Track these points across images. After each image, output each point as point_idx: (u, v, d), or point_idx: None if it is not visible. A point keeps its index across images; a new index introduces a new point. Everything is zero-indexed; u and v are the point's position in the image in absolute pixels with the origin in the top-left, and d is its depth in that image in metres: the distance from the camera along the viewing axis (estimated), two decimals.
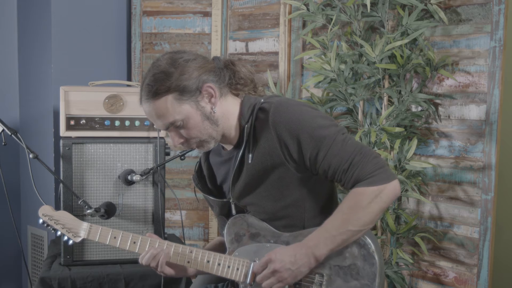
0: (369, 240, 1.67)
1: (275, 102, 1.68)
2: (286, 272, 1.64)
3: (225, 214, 1.85)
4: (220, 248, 1.88)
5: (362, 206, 1.62)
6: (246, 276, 1.72)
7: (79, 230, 1.84)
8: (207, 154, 1.89)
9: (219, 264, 1.74)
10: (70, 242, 1.85)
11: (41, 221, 1.87)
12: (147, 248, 1.77)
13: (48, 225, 1.87)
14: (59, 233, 1.86)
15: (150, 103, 1.65)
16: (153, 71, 1.65)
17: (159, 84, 1.62)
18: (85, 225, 1.84)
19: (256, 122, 1.69)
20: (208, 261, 1.75)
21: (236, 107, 1.73)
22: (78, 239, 1.84)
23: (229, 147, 1.78)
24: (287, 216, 1.74)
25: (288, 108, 1.66)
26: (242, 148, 1.71)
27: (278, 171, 1.69)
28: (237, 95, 1.76)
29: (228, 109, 1.71)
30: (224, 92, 1.70)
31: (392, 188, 1.64)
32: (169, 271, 1.80)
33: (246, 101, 1.73)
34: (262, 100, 1.71)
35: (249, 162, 1.70)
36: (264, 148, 1.68)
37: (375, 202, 1.62)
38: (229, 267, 1.74)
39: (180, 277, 1.89)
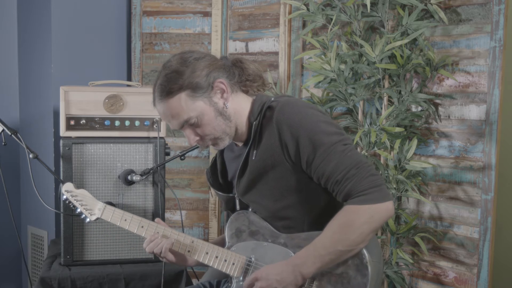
0: (364, 251, 1.63)
1: (282, 101, 1.69)
2: None
3: (230, 209, 1.87)
4: (223, 242, 1.90)
5: (353, 226, 1.58)
6: (240, 271, 1.74)
7: (94, 209, 1.91)
8: (222, 149, 1.90)
9: (216, 257, 1.77)
10: (87, 220, 1.92)
11: (64, 197, 1.94)
12: (152, 234, 1.82)
13: (69, 202, 1.94)
14: (78, 210, 1.93)
15: (164, 102, 1.67)
16: (165, 72, 1.68)
17: (172, 83, 1.65)
18: (100, 205, 1.90)
19: (263, 120, 1.71)
20: (207, 253, 1.78)
21: (248, 104, 1.75)
22: (94, 217, 1.91)
23: (240, 144, 1.81)
24: (287, 217, 1.74)
25: (294, 108, 1.67)
26: (249, 145, 1.73)
27: (278, 170, 1.69)
28: (246, 92, 1.78)
29: (240, 106, 1.73)
30: (234, 88, 1.73)
31: (385, 208, 1.58)
32: (171, 257, 1.84)
33: (258, 99, 1.76)
34: (272, 99, 1.73)
35: (253, 158, 1.72)
36: (267, 145, 1.69)
37: (366, 223, 1.57)
38: (225, 260, 1.76)
39: (180, 265, 1.95)
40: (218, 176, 1.92)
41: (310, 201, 1.72)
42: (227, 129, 1.71)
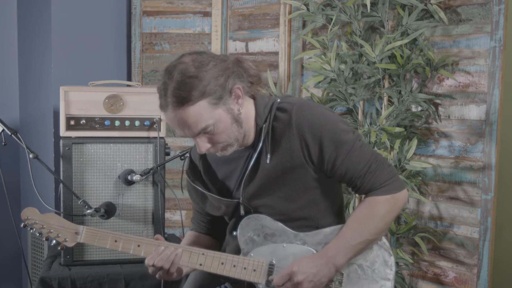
0: (385, 240, 1.73)
1: (297, 103, 1.67)
2: (309, 284, 1.64)
3: (229, 214, 1.81)
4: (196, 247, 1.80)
5: (379, 215, 1.67)
6: (263, 277, 1.70)
7: (72, 234, 1.71)
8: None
9: (234, 266, 1.69)
10: (58, 247, 1.72)
11: (22, 224, 1.70)
12: (153, 251, 1.69)
13: (31, 228, 1.70)
14: (44, 238, 1.69)
15: (181, 110, 1.54)
16: (181, 76, 1.53)
17: (193, 90, 1.52)
18: (80, 228, 1.71)
19: (274, 122, 1.66)
20: (222, 263, 1.69)
21: (252, 107, 1.69)
22: (72, 244, 1.71)
23: (241, 147, 1.72)
24: (301, 217, 1.73)
25: (312, 109, 1.66)
26: (259, 148, 1.68)
27: (297, 172, 1.68)
28: (247, 93, 1.68)
29: (247, 110, 1.67)
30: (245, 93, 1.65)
31: (403, 197, 1.71)
32: (180, 271, 1.74)
33: (260, 100, 1.69)
34: (279, 100, 1.69)
35: (267, 162, 1.67)
36: (285, 148, 1.66)
37: (391, 212, 1.68)
38: (245, 268, 1.70)
39: (179, 279, 1.85)
40: (204, 180, 1.83)
41: (324, 198, 1.74)
42: (239, 135, 1.64)
